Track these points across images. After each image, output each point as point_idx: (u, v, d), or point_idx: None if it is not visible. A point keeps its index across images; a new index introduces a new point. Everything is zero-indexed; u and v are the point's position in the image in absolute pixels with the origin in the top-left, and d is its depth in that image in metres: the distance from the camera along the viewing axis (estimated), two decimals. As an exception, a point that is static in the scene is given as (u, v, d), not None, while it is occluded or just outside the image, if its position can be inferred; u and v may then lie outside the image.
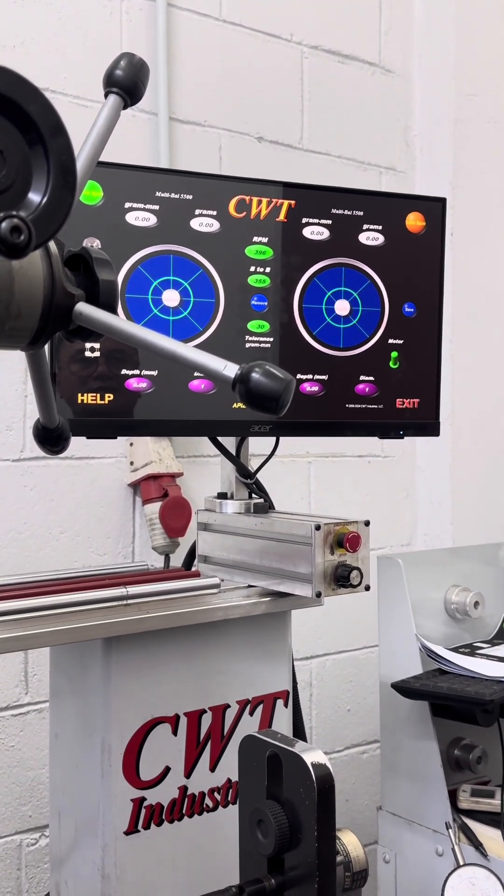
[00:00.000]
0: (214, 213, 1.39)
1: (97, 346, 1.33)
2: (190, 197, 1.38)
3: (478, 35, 2.46)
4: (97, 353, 1.33)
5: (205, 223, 1.39)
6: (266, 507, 1.49)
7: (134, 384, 1.36)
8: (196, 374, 1.38)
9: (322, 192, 1.49)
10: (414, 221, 1.54)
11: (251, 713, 1.40)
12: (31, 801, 1.86)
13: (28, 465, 1.84)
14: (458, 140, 2.42)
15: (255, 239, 1.43)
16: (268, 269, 1.44)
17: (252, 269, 1.43)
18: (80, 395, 1.33)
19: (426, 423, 1.58)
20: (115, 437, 1.42)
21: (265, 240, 1.43)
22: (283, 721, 1.44)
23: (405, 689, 1.67)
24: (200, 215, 1.39)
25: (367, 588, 1.33)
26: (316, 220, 1.47)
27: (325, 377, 1.48)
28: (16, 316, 0.78)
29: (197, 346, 1.26)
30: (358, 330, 1.50)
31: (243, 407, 1.41)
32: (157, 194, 1.36)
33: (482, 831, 1.63)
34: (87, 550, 1.92)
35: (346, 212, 1.49)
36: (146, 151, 1.99)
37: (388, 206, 1.53)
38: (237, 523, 1.45)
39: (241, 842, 1.05)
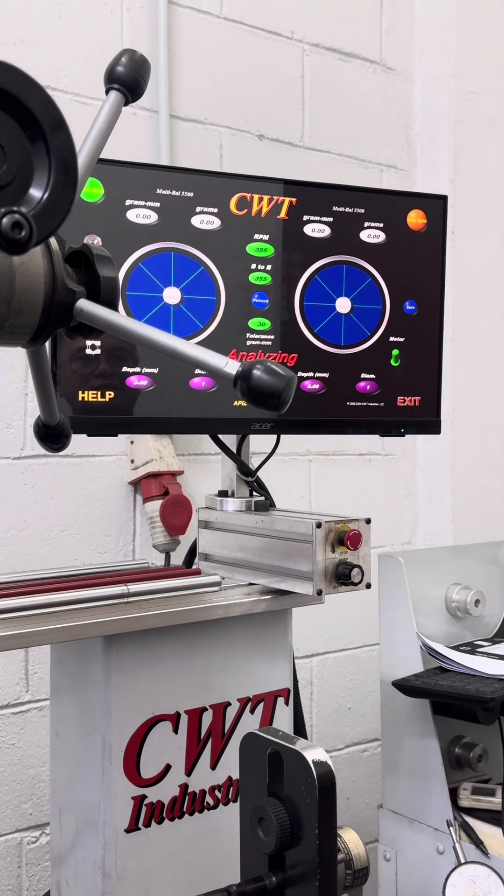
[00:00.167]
0: (215, 210, 1.39)
1: (98, 343, 1.33)
2: (191, 194, 1.37)
3: (478, 33, 2.46)
4: (98, 351, 1.33)
5: (206, 221, 1.39)
6: (267, 504, 1.49)
7: (135, 382, 1.36)
8: (197, 371, 1.38)
9: (323, 189, 1.48)
10: (415, 219, 1.54)
11: (252, 711, 1.40)
12: (32, 798, 1.86)
13: (29, 462, 1.84)
14: (458, 138, 2.42)
15: (256, 236, 1.42)
16: (269, 267, 1.44)
17: (253, 266, 1.42)
18: (80, 392, 1.32)
19: (427, 421, 1.58)
20: (116, 435, 1.42)
21: (266, 237, 1.43)
22: (283, 719, 1.44)
23: (406, 687, 1.67)
24: (201, 213, 1.38)
25: (368, 586, 1.33)
26: (317, 218, 1.47)
27: (325, 375, 1.48)
28: (17, 313, 0.78)
29: (198, 344, 1.26)
30: (359, 327, 1.50)
31: (244, 405, 1.41)
32: (158, 192, 1.35)
33: (483, 829, 1.63)
34: (88, 548, 1.92)
35: (348, 209, 1.49)
36: (147, 149, 1.98)
37: (389, 204, 1.53)
38: (238, 521, 1.45)
39: (242, 839, 1.05)
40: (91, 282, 0.83)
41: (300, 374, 1.46)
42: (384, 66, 2.41)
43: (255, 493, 1.50)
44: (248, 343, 1.43)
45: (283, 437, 1.53)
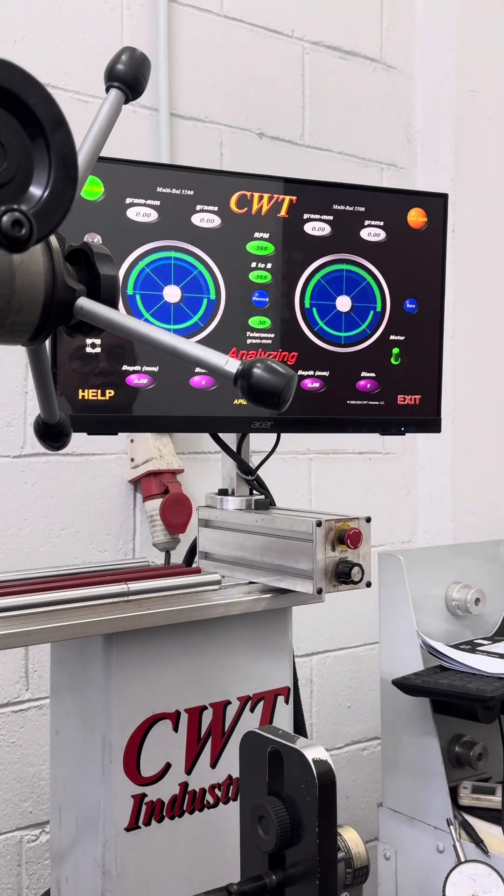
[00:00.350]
0: (215, 208, 1.39)
1: (98, 341, 1.33)
2: (191, 192, 1.37)
3: (479, 31, 2.45)
4: (98, 349, 1.33)
5: (206, 219, 1.39)
6: (267, 503, 1.49)
7: (135, 380, 1.35)
8: (197, 370, 1.38)
9: (323, 187, 1.48)
10: (416, 217, 1.54)
11: (252, 710, 1.40)
12: (32, 797, 1.86)
13: (29, 461, 1.84)
14: (459, 136, 2.42)
15: (257, 235, 1.42)
16: (269, 265, 1.43)
17: (253, 264, 1.42)
18: (80, 391, 1.32)
19: (427, 419, 1.57)
20: (116, 433, 1.41)
21: (266, 235, 1.43)
22: (283, 717, 1.44)
23: (406, 685, 1.67)
24: (201, 211, 1.38)
25: (369, 585, 1.33)
26: (317, 216, 1.47)
27: (326, 373, 1.48)
28: (17, 311, 0.78)
29: (198, 343, 1.26)
30: (359, 326, 1.50)
31: (244, 403, 1.41)
32: (159, 190, 1.35)
33: (483, 828, 1.63)
34: (88, 547, 1.91)
35: (348, 207, 1.49)
36: (147, 147, 1.98)
37: (389, 202, 1.52)
38: (238, 520, 1.45)
39: (242, 838, 1.05)
40: (91, 280, 0.83)
41: (300, 372, 1.46)
42: (385, 65, 2.41)
43: (255, 492, 1.50)
44: (249, 341, 1.42)
45: (283, 435, 1.53)
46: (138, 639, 1.28)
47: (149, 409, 1.37)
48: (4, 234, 0.63)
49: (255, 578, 1.41)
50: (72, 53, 1.89)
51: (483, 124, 2.46)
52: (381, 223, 1.51)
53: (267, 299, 1.43)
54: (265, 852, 1.00)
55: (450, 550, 2.02)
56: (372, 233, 1.51)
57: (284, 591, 1.37)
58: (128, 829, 1.28)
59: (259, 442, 1.57)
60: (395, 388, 1.53)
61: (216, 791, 1.37)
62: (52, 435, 0.98)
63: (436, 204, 1.56)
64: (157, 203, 1.35)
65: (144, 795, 1.30)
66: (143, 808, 1.29)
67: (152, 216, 1.35)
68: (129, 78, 0.93)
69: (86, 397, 1.33)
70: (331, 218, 1.48)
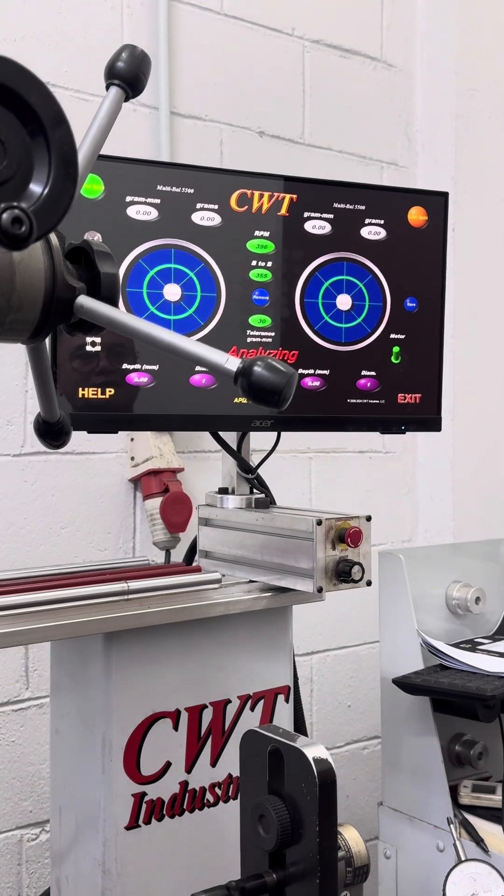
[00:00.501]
0: (216, 207, 1.39)
1: (98, 340, 1.33)
2: (191, 191, 1.37)
3: (480, 30, 2.45)
4: (98, 348, 1.33)
5: (206, 217, 1.38)
6: (267, 502, 1.49)
7: (135, 378, 1.35)
8: (197, 368, 1.38)
9: (324, 185, 1.48)
10: (416, 216, 1.54)
11: (252, 708, 1.40)
12: (32, 796, 1.86)
13: (28, 460, 1.84)
14: (459, 135, 2.42)
15: (257, 233, 1.42)
16: (269, 264, 1.43)
17: (253, 263, 1.42)
18: (81, 389, 1.32)
19: (428, 418, 1.57)
20: (116, 432, 1.41)
21: (266, 234, 1.43)
22: (283, 716, 1.44)
23: (406, 684, 1.66)
24: (202, 209, 1.38)
25: (369, 583, 1.33)
26: (318, 215, 1.47)
27: (326, 372, 1.48)
28: (17, 308, 0.77)
29: (198, 341, 1.26)
30: (359, 325, 1.50)
31: (244, 402, 1.41)
32: (159, 188, 1.35)
33: (483, 827, 1.63)
34: (88, 545, 1.91)
35: (348, 206, 1.48)
36: (147, 146, 1.98)
37: (390, 201, 1.52)
38: (238, 518, 1.45)
39: (243, 837, 1.05)
40: (91, 278, 0.83)
41: (301, 371, 1.46)
42: (385, 63, 2.41)
43: (255, 491, 1.50)
44: (249, 340, 1.42)
45: (283, 434, 1.53)
46: (138, 637, 1.28)
47: (149, 407, 1.37)
48: (4, 232, 0.63)
49: (256, 577, 1.40)
50: (72, 52, 1.89)
51: (483, 123, 2.46)
52: (382, 222, 1.51)
53: (267, 298, 1.43)
54: (265, 851, 1.00)
55: (450, 549, 2.02)
56: (372, 231, 1.51)
57: (285, 589, 1.37)
58: (128, 828, 1.28)
59: (259, 440, 1.57)
60: (395, 387, 1.53)
61: (216, 790, 1.37)
62: (52, 433, 0.98)
63: (436, 202, 1.56)
64: (158, 201, 1.35)
65: (144, 794, 1.29)
66: (144, 806, 1.29)
67: (152, 214, 1.35)
68: (129, 75, 0.93)
69: (86, 396, 1.33)
70: (331, 216, 1.47)
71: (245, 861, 1.05)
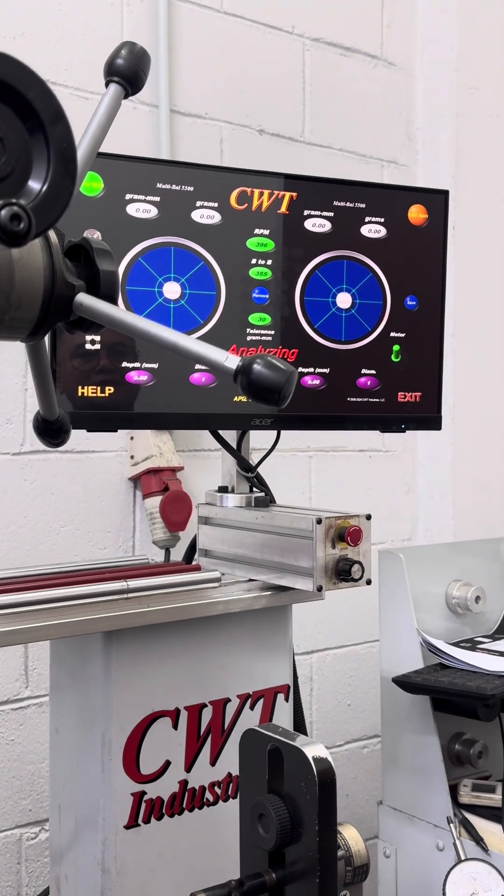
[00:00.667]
0: (216, 205, 1.39)
1: (97, 338, 1.32)
2: (191, 189, 1.37)
3: (480, 28, 2.45)
4: (98, 346, 1.33)
5: (206, 215, 1.38)
6: (267, 500, 1.49)
7: (135, 377, 1.35)
8: (197, 366, 1.37)
9: (324, 184, 1.48)
10: (416, 214, 1.53)
11: (252, 707, 1.40)
12: (31, 794, 1.86)
13: (28, 458, 1.84)
14: (460, 133, 2.41)
15: (257, 231, 1.42)
16: (269, 262, 1.43)
17: (253, 261, 1.42)
18: (80, 387, 1.32)
19: (428, 416, 1.57)
20: (116, 430, 1.41)
21: (266, 232, 1.43)
22: (283, 715, 1.44)
23: (406, 683, 1.66)
24: (202, 207, 1.38)
25: (369, 582, 1.33)
26: (318, 213, 1.46)
27: (326, 370, 1.48)
28: (16, 306, 0.77)
29: (198, 339, 1.26)
30: (360, 323, 1.50)
31: (244, 400, 1.41)
32: (158, 186, 1.35)
33: (483, 826, 1.63)
34: (88, 544, 1.91)
35: (348, 204, 1.48)
36: (147, 144, 1.98)
37: (390, 199, 1.52)
38: (238, 517, 1.45)
39: (242, 836, 1.05)
40: (91, 276, 0.82)
41: (300, 369, 1.46)
42: (385, 61, 2.40)
43: (255, 489, 1.49)
44: (249, 338, 1.42)
45: (283, 432, 1.53)
46: (138, 636, 1.28)
47: (149, 405, 1.37)
48: (3, 229, 0.63)
49: (255, 576, 1.40)
50: (72, 49, 1.89)
51: (484, 121, 2.46)
52: (382, 220, 1.51)
53: (267, 296, 1.43)
54: (265, 850, 1.00)
55: (450, 548, 2.02)
56: (372, 229, 1.51)
57: (284, 588, 1.37)
58: (127, 827, 1.28)
59: (259, 439, 1.56)
60: (395, 386, 1.53)
61: (216, 789, 1.37)
62: (51, 432, 0.98)
63: (436, 201, 1.55)
64: (157, 199, 1.35)
65: (144, 793, 1.29)
66: (143, 805, 1.29)
67: (152, 212, 1.35)
68: (128, 72, 0.93)
69: (85, 394, 1.32)
70: (331, 214, 1.47)
71: (244, 860, 1.05)
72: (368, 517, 1.34)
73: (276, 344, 1.44)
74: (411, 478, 2.47)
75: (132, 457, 1.93)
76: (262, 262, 1.42)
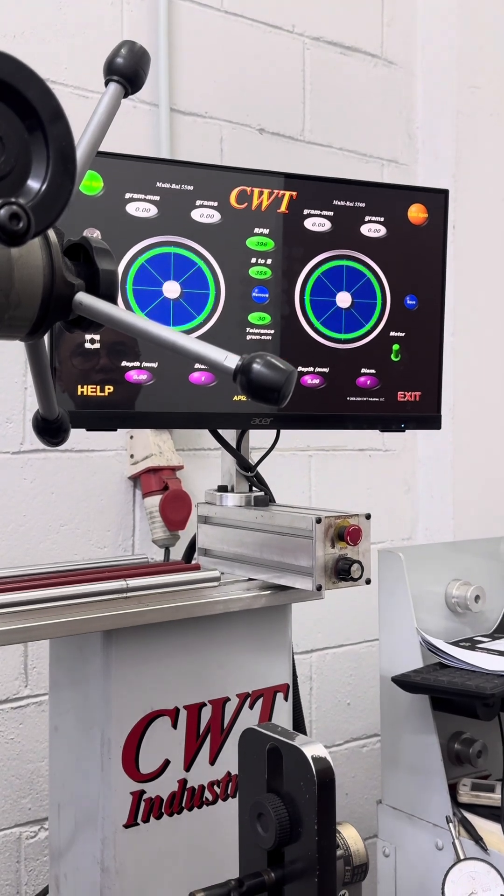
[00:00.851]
0: (215, 204, 1.39)
1: (97, 337, 1.32)
2: (191, 188, 1.37)
3: (481, 27, 2.45)
4: (97, 345, 1.33)
5: (206, 214, 1.38)
6: (267, 500, 1.49)
7: (134, 376, 1.35)
8: (197, 366, 1.37)
9: (324, 183, 1.48)
10: (416, 213, 1.53)
11: (251, 706, 1.40)
12: (31, 793, 1.86)
13: (28, 457, 1.84)
14: (460, 132, 2.41)
15: (257, 230, 1.42)
16: (269, 261, 1.43)
17: (253, 260, 1.42)
18: (80, 386, 1.32)
19: (428, 416, 1.57)
20: (116, 429, 1.41)
21: (266, 231, 1.43)
22: (283, 714, 1.44)
23: (406, 682, 1.66)
24: (201, 206, 1.38)
25: (368, 582, 1.33)
26: (317, 212, 1.46)
27: (326, 370, 1.48)
28: (15, 305, 0.77)
29: (197, 339, 1.26)
30: (359, 322, 1.50)
31: (244, 399, 1.41)
32: (158, 185, 1.35)
33: (482, 825, 1.63)
34: (87, 543, 1.91)
35: (348, 203, 1.48)
36: (147, 143, 1.98)
37: (390, 198, 1.52)
38: (238, 516, 1.45)
39: (241, 835, 1.05)
40: (90, 275, 0.82)
41: (300, 368, 1.45)
42: (385, 60, 2.40)
43: (254, 489, 1.49)
44: (248, 337, 1.42)
45: (282, 432, 1.53)
46: (137, 635, 1.28)
47: (148, 405, 1.37)
48: (2, 227, 0.63)
49: (255, 575, 1.40)
50: (71, 48, 1.88)
51: (484, 120, 2.46)
52: (382, 219, 1.51)
53: (267, 295, 1.43)
54: (264, 849, 1.00)
55: (450, 547, 2.02)
56: (372, 229, 1.50)
57: (284, 587, 1.37)
58: (126, 826, 1.28)
59: (259, 438, 1.56)
60: (395, 385, 1.53)
61: (215, 788, 1.37)
62: (50, 431, 0.98)
63: (437, 200, 1.55)
64: (157, 198, 1.35)
65: (143, 792, 1.29)
66: (142, 804, 1.29)
67: (152, 211, 1.35)
68: (128, 71, 0.93)
69: (85, 393, 1.32)
70: (331, 214, 1.47)
71: (244, 859, 1.05)
72: (368, 516, 1.34)
73: (276, 343, 1.44)
74: (411, 477, 2.47)
75: (132, 456, 1.93)
76: (261, 261, 1.42)
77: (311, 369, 1.47)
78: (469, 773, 1.79)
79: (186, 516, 1.87)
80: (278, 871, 1.00)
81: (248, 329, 1.42)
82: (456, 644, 1.80)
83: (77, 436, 1.77)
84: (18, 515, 1.83)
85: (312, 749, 0.97)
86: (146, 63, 0.95)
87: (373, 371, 1.51)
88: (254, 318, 1.42)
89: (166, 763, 1.32)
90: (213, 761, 1.36)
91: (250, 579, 1.41)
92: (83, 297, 0.80)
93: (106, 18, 1.93)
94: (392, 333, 1.52)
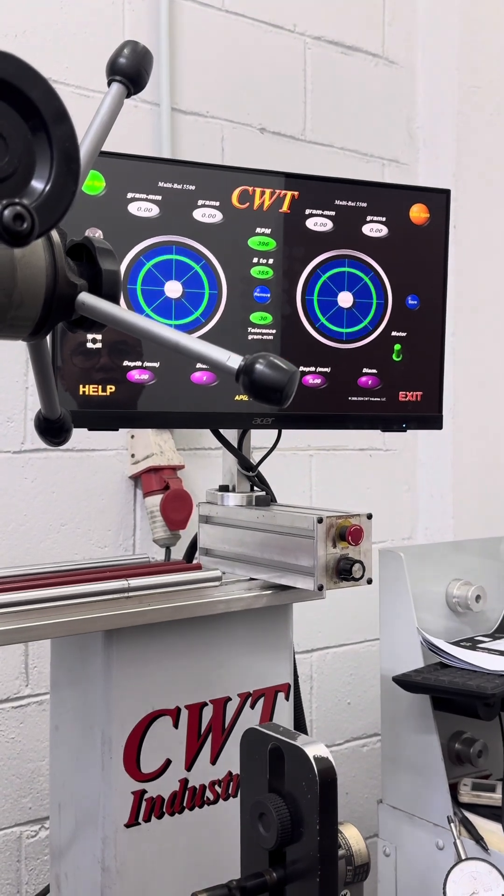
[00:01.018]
0: (217, 203, 1.39)
1: (99, 337, 1.32)
2: (193, 187, 1.37)
3: (482, 26, 2.45)
4: (99, 345, 1.33)
5: (207, 214, 1.38)
6: (268, 499, 1.49)
7: (136, 376, 1.35)
8: (198, 365, 1.37)
9: (325, 183, 1.48)
10: (418, 213, 1.53)
11: (252, 706, 1.40)
12: (31, 793, 1.86)
13: (29, 456, 1.84)
14: (461, 132, 2.41)
15: (258, 230, 1.42)
16: (270, 261, 1.43)
17: (255, 260, 1.42)
18: (82, 386, 1.32)
19: (429, 416, 1.57)
20: (117, 429, 1.41)
21: (268, 231, 1.43)
22: (284, 714, 1.44)
23: (406, 682, 1.66)
24: (203, 206, 1.38)
25: (370, 581, 1.33)
26: (319, 212, 1.46)
27: (327, 370, 1.48)
28: (18, 305, 0.77)
29: (199, 339, 1.26)
30: (361, 322, 1.50)
31: (245, 399, 1.41)
32: (160, 185, 1.35)
33: (483, 825, 1.63)
34: (88, 543, 1.91)
35: (350, 203, 1.48)
36: (148, 142, 1.98)
37: (391, 198, 1.52)
38: (239, 516, 1.45)
39: (243, 835, 1.05)
40: (93, 275, 0.82)
41: (302, 368, 1.45)
42: (386, 60, 2.40)
43: (256, 488, 1.49)
44: (250, 337, 1.42)
45: (283, 432, 1.53)
46: (138, 635, 1.28)
47: (150, 404, 1.37)
48: (6, 228, 0.63)
49: (256, 575, 1.40)
50: (73, 48, 1.88)
51: (485, 120, 2.46)
52: (383, 219, 1.51)
53: (268, 295, 1.43)
54: (266, 849, 1.00)
55: (450, 547, 2.02)
56: (374, 228, 1.50)
57: (285, 587, 1.37)
58: (127, 826, 1.28)
59: (260, 438, 1.56)
60: (396, 385, 1.53)
61: (216, 787, 1.37)
62: (52, 430, 0.98)
63: (438, 200, 1.55)
64: (159, 198, 1.35)
65: (144, 792, 1.29)
66: (143, 804, 1.29)
67: (153, 211, 1.35)
68: (131, 71, 0.93)
69: (87, 393, 1.32)
70: (333, 213, 1.47)
71: (245, 859, 1.05)
72: (369, 516, 1.34)
73: (277, 343, 1.44)
74: (412, 476, 2.47)
75: (133, 455, 1.93)
76: (263, 261, 1.42)
77: (312, 369, 1.47)
78: (470, 773, 1.79)
79: (187, 516, 1.87)
80: (280, 871, 1.00)
81: (249, 329, 1.42)
82: (457, 644, 1.80)
83: (78, 435, 1.76)
84: (19, 515, 1.83)
85: (314, 749, 0.97)
86: (149, 63, 0.95)
87: (374, 371, 1.51)
88: (255, 317, 1.42)
89: (167, 762, 1.32)
90: (214, 761, 1.37)
91: (251, 579, 1.41)
92: (86, 298, 0.80)
93: (107, 18, 1.93)
94: (393, 333, 1.52)
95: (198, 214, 1.38)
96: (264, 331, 1.43)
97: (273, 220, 1.43)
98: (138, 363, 1.35)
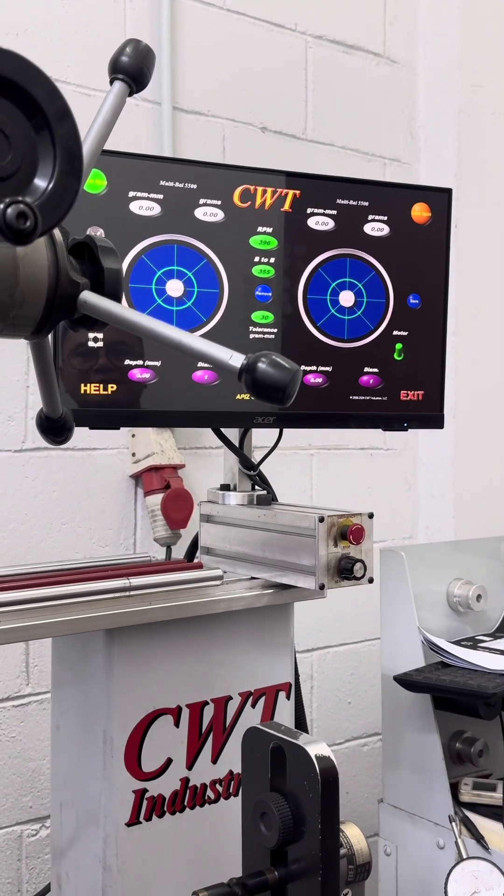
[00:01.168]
0: (219, 202, 1.38)
1: (100, 336, 1.32)
2: (194, 186, 1.37)
3: (483, 26, 2.45)
4: (100, 344, 1.33)
5: (209, 213, 1.38)
6: (269, 498, 1.49)
7: (137, 375, 1.35)
8: (200, 364, 1.37)
9: (327, 182, 1.48)
10: (419, 212, 1.53)
11: (253, 705, 1.40)
12: (32, 791, 1.86)
13: (29, 455, 1.84)
14: (462, 131, 2.41)
15: (260, 229, 1.42)
16: (272, 260, 1.43)
17: (256, 259, 1.42)
18: (83, 385, 1.32)
19: (430, 415, 1.57)
20: (118, 428, 1.41)
21: (270, 230, 1.43)
22: (285, 713, 1.44)
23: (407, 681, 1.66)
24: (205, 205, 1.38)
25: (371, 581, 1.33)
26: (321, 211, 1.46)
27: (329, 369, 1.48)
28: (20, 304, 0.77)
29: (201, 337, 1.25)
30: (362, 321, 1.50)
31: (247, 398, 1.41)
32: (162, 183, 1.35)
33: (484, 824, 1.63)
34: (89, 542, 1.91)
35: (352, 202, 1.48)
36: (150, 141, 1.98)
37: (393, 197, 1.52)
38: (240, 515, 1.45)
39: (245, 834, 1.05)
40: (95, 274, 0.82)
41: (303, 367, 1.45)
42: (388, 59, 2.40)
43: (257, 487, 1.49)
44: (251, 336, 1.42)
45: (285, 430, 1.53)
46: (139, 634, 1.28)
47: (151, 403, 1.36)
48: (9, 227, 0.63)
49: (257, 574, 1.40)
50: (74, 46, 1.88)
51: (486, 119, 2.46)
52: (385, 218, 1.51)
53: (270, 294, 1.43)
54: (267, 848, 1.00)
55: (451, 546, 2.02)
56: (375, 227, 1.50)
57: (286, 586, 1.37)
58: (128, 825, 1.28)
59: (261, 437, 1.56)
60: (397, 384, 1.53)
61: (217, 786, 1.37)
62: (54, 429, 0.98)
63: (440, 199, 1.55)
64: (160, 196, 1.35)
65: (145, 790, 1.29)
66: (144, 803, 1.29)
67: (155, 210, 1.35)
68: (133, 70, 0.93)
69: (88, 392, 1.32)
70: (334, 212, 1.47)
71: (246, 858, 1.05)
72: (371, 516, 1.34)
73: (279, 342, 1.44)
74: (412, 476, 2.47)
75: (133, 454, 1.93)
76: (265, 259, 1.42)
77: (313, 368, 1.47)
78: (470, 773, 1.79)
79: (188, 515, 1.87)
80: (281, 871, 1.00)
81: (251, 328, 1.42)
82: (457, 643, 1.80)
83: (79, 434, 1.76)
84: (20, 514, 1.83)
85: (316, 748, 0.97)
86: (151, 62, 0.95)
87: (375, 370, 1.51)
88: (257, 316, 1.42)
89: (168, 761, 1.32)
90: (215, 760, 1.36)
91: (253, 578, 1.41)
92: (88, 296, 0.80)
93: (108, 16, 1.93)
94: (395, 332, 1.52)
95: (199, 213, 1.38)
96: (265, 330, 1.43)
97: (274, 219, 1.43)
98: (139, 362, 1.35)
